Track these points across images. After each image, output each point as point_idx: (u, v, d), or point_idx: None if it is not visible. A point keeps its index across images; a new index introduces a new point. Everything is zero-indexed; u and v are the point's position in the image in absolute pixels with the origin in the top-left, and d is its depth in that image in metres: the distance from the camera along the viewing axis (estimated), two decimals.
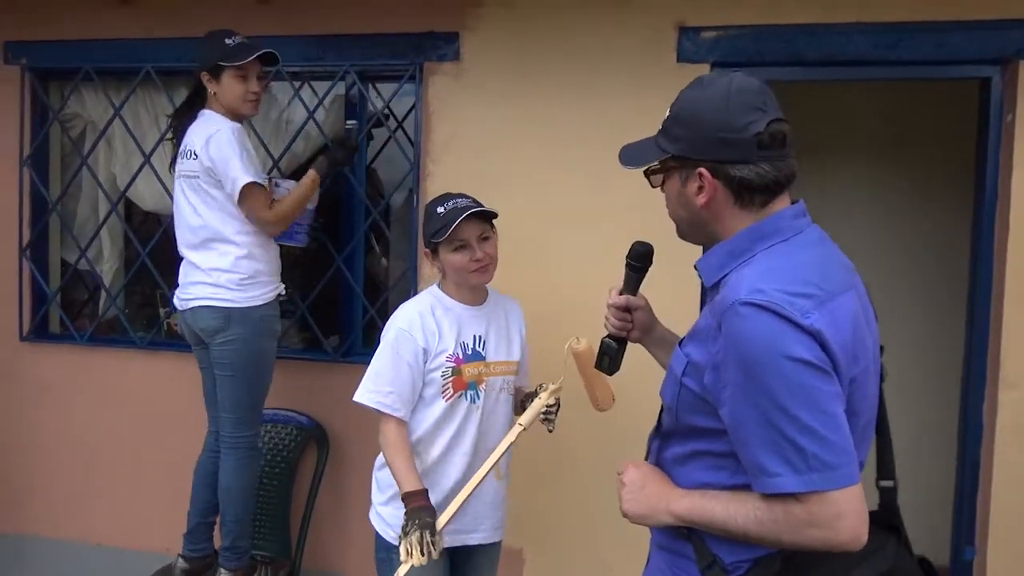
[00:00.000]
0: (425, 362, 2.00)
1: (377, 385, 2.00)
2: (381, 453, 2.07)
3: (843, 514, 1.09)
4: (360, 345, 3.08)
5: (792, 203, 1.27)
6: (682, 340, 1.31)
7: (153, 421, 3.19)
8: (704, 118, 1.21)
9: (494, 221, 2.06)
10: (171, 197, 2.79)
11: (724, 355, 1.15)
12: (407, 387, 1.99)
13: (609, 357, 1.65)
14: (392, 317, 2.07)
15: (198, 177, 2.56)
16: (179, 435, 2.99)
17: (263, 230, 2.59)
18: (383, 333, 2.06)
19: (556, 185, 2.79)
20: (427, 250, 2.06)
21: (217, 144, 2.50)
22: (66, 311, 3.38)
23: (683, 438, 1.29)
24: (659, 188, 1.35)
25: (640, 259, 1.62)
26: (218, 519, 2.73)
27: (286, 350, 3.12)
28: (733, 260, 1.24)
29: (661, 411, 1.37)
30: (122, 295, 3.42)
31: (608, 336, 1.65)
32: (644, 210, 2.61)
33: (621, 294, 1.62)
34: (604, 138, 2.74)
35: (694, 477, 1.27)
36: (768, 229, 1.23)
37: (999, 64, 2.55)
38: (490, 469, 1.93)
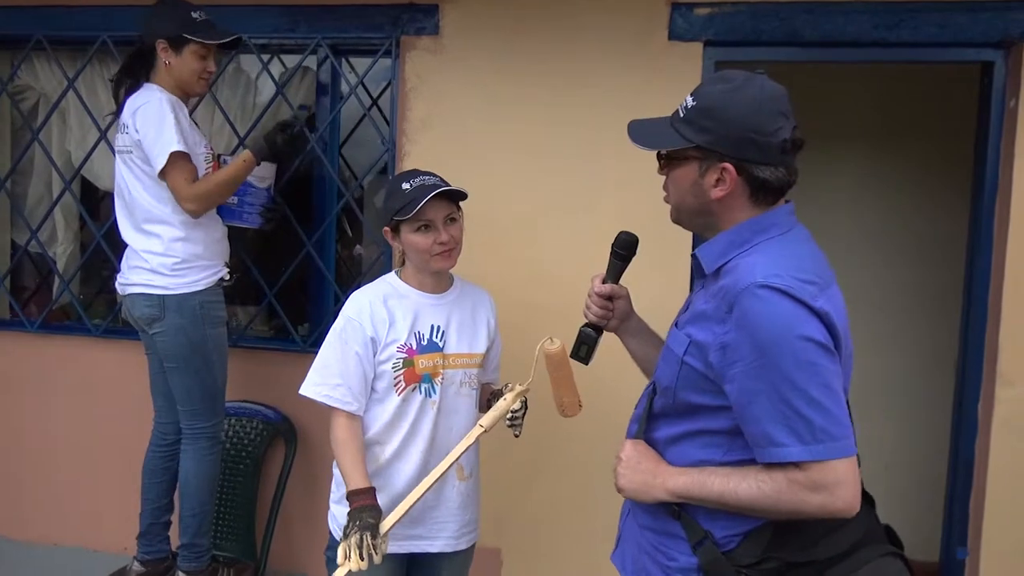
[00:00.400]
0: (375, 353, 1.88)
1: (324, 377, 1.88)
2: None
3: (842, 482, 1.19)
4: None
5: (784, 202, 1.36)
6: (677, 322, 1.39)
7: (109, 413, 3.01)
8: (736, 118, 1.28)
9: (462, 204, 1.94)
10: None
11: (736, 334, 1.22)
12: (357, 379, 1.87)
13: (587, 346, 1.65)
14: (344, 305, 1.95)
15: (131, 152, 2.40)
16: (136, 428, 2.81)
17: (182, 208, 2.37)
18: (335, 322, 1.94)
19: (542, 168, 2.65)
20: (388, 228, 1.93)
21: (145, 115, 2.34)
22: (16, 296, 3.19)
23: (677, 417, 1.36)
24: (660, 172, 1.41)
25: (627, 248, 1.63)
26: (176, 516, 2.57)
27: (253, 340, 2.97)
28: (734, 249, 1.32)
29: (650, 394, 1.44)
30: (77, 280, 3.22)
31: (587, 324, 1.66)
32: (635, 194, 2.56)
33: (604, 282, 1.64)
34: (593, 118, 2.63)
35: (688, 455, 1.34)
36: (768, 223, 1.32)
37: (1003, 48, 2.46)
38: (445, 471, 1.82)
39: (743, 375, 1.22)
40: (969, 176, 2.64)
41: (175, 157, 2.32)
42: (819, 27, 2.51)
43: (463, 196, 1.92)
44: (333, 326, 1.93)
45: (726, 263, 1.32)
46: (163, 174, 2.34)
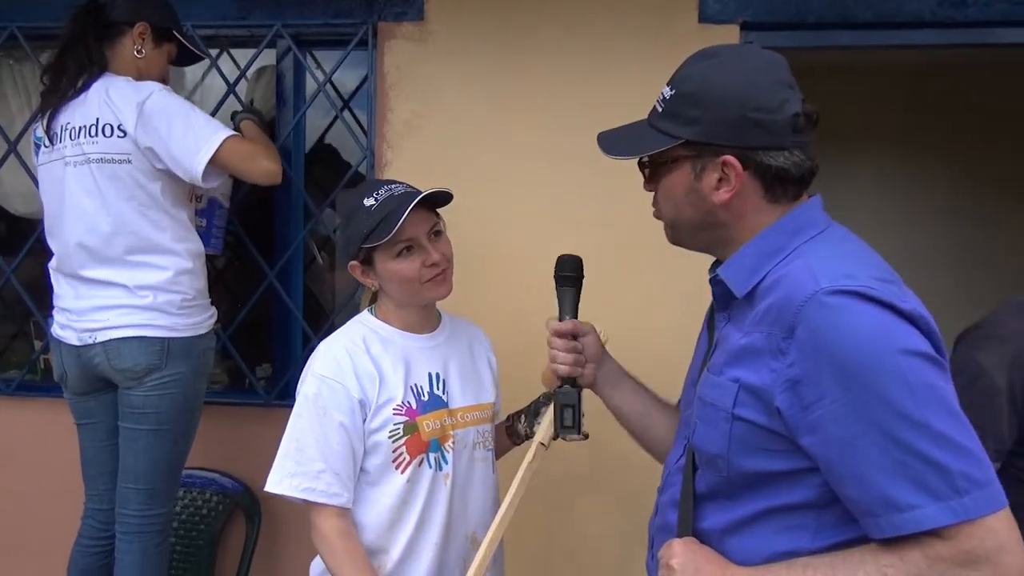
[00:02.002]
0: (364, 420, 1.44)
1: (300, 464, 1.42)
2: (317, 558, 1.49)
3: (1005, 546, 0.90)
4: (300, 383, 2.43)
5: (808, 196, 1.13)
6: (710, 367, 1.11)
7: (29, 487, 2.45)
8: (728, 96, 1.06)
9: (450, 212, 1.55)
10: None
11: (808, 364, 0.96)
12: (343, 460, 1.44)
13: (572, 408, 1.34)
14: (309, 362, 1.51)
15: (125, 162, 1.91)
16: (58, 508, 2.27)
17: (265, 181, 2.02)
18: (299, 386, 1.50)
19: (550, 178, 2.22)
20: (355, 262, 1.50)
21: (163, 111, 1.90)
22: None
23: (737, 496, 1.07)
24: (648, 189, 1.18)
25: (575, 269, 1.40)
26: None
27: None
28: (769, 260, 1.07)
29: (685, 469, 1.14)
30: None
31: (561, 383, 1.36)
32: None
33: (561, 319, 1.39)
34: (611, 118, 2.18)
35: (761, 546, 1.03)
36: (802, 221, 1.09)
37: None
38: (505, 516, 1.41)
39: (830, 419, 0.94)
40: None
41: (232, 139, 1.94)
42: (874, 6, 2.15)
43: (447, 199, 1.52)
44: (300, 391, 1.48)
45: (762, 280, 1.07)
46: (219, 161, 1.92)
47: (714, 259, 1.23)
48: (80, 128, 1.93)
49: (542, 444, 1.45)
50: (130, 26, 1.98)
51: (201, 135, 1.91)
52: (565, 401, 1.34)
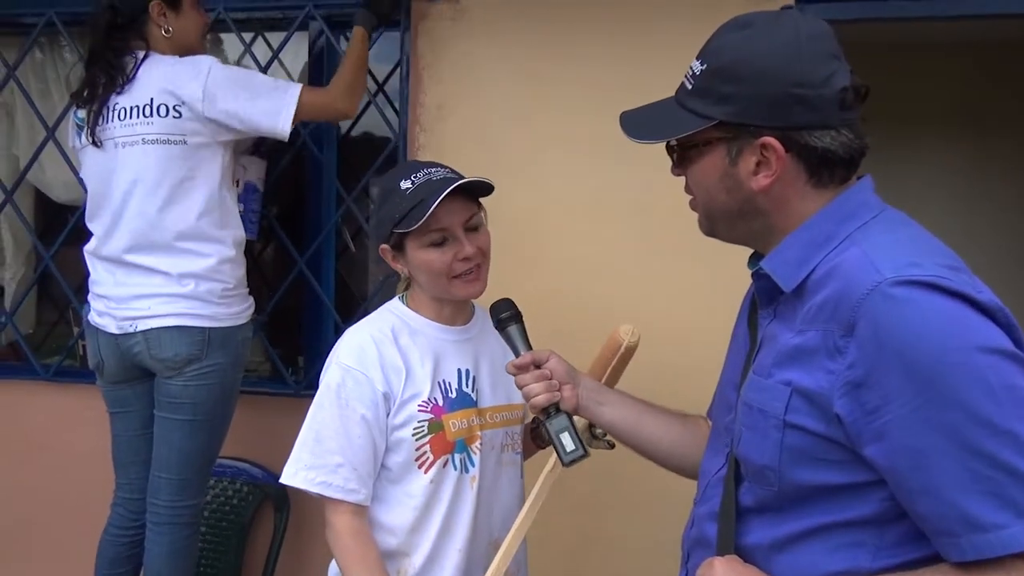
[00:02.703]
0: (388, 414, 1.37)
1: (317, 456, 1.36)
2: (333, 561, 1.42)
3: None
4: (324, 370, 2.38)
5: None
6: (757, 367, 1.01)
7: (60, 474, 2.46)
8: (769, 70, 0.95)
9: (484, 200, 1.45)
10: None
11: (872, 364, 0.86)
12: (364, 455, 1.36)
13: (568, 430, 1.25)
14: (334, 349, 1.44)
15: (181, 143, 1.89)
16: (89, 495, 2.27)
17: (343, 114, 2.09)
18: (322, 375, 1.43)
19: (590, 166, 2.11)
20: (386, 245, 1.43)
21: (228, 80, 1.91)
22: None
23: (787, 511, 0.97)
24: (676, 174, 1.08)
25: (508, 308, 1.35)
26: None
27: None
28: (819, 250, 0.97)
29: (726, 480, 1.04)
30: (32, 310, 2.70)
31: (545, 415, 1.26)
32: None
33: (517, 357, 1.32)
34: (653, 99, 2.09)
35: (813, 566, 0.94)
36: (853, 205, 0.98)
37: None
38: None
39: (898, 426, 0.84)
40: None
41: (303, 90, 1.95)
42: None
43: (487, 190, 1.42)
44: (324, 380, 1.41)
45: (812, 272, 0.96)
46: (301, 113, 1.96)
47: (753, 251, 1.12)
48: (132, 108, 1.91)
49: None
50: (145, 12, 1.94)
51: (275, 95, 1.94)
52: (558, 428, 1.25)
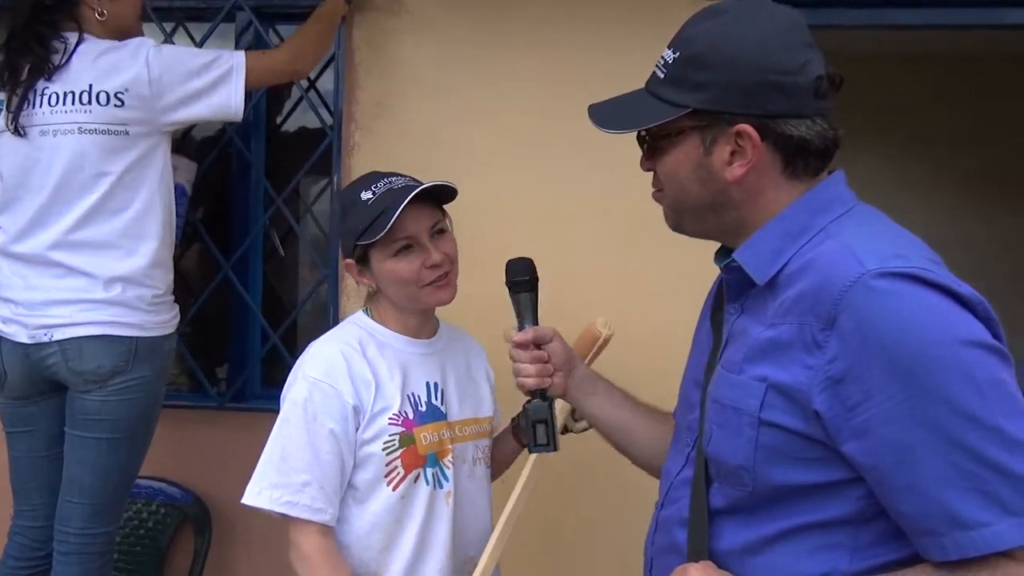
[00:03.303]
0: (358, 428, 1.34)
1: (283, 474, 1.31)
2: None
3: None
4: (258, 384, 2.27)
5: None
6: (726, 363, 0.99)
7: None
8: (744, 57, 0.94)
9: (447, 206, 1.46)
10: None
11: (855, 359, 0.85)
12: (332, 472, 1.32)
13: (545, 424, 1.23)
14: (298, 363, 1.40)
15: (122, 134, 1.75)
16: None
17: (296, 74, 2.02)
18: (285, 390, 1.38)
19: (539, 165, 2.05)
20: (349, 260, 1.42)
21: (171, 59, 1.81)
22: None
23: (762, 512, 0.94)
24: (646, 168, 1.06)
25: (527, 272, 1.29)
26: None
27: None
28: (793, 242, 0.95)
29: (693, 482, 1.01)
30: None
31: (530, 397, 1.25)
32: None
33: (521, 329, 1.27)
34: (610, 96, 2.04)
35: (790, 568, 0.91)
36: (828, 197, 0.97)
37: None
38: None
39: (881, 421, 0.83)
40: None
41: (249, 61, 1.85)
42: None
43: (451, 195, 1.42)
44: (288, 396, 1.36)
45: (785, 264, 0.95)
46: (249, 78, 1.85)
47: (720, 246, 1.10)
48: (65, 95, 1.75)
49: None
50: None
51: (220, 71, 1.82)
52: (537, 417, 1.23)
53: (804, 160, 0.96)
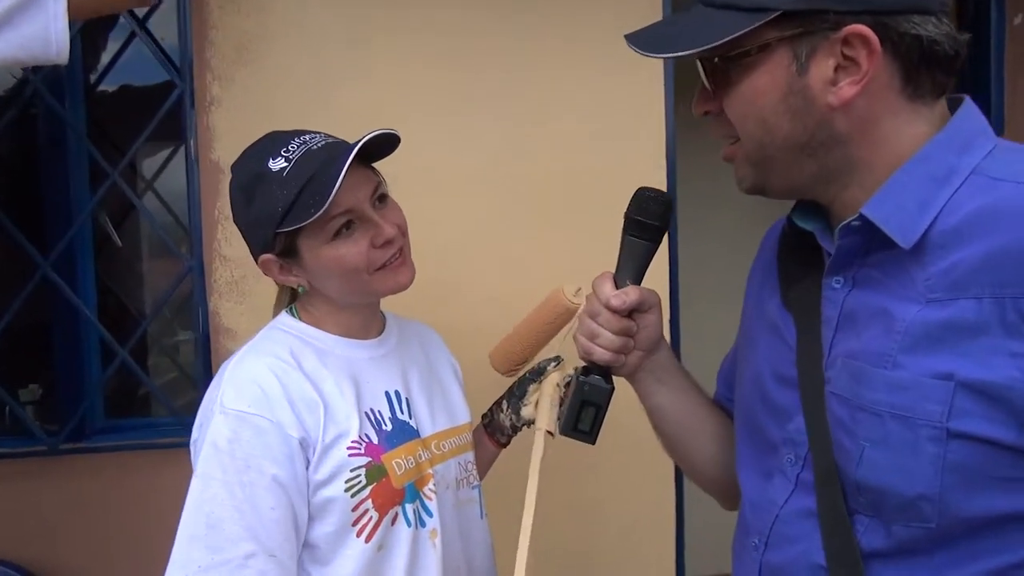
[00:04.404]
0: (308, 467, 1.01)
1: (215, 549, 0.96)
2: None
3: None
4: (100, 416, 1.77)
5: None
6: (866, 355, 0.75)
7: None
8: None
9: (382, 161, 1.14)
10: None
11: None
12: (281, 533, 0.99)
13: (595, 408, 0.98)
14: (210, 396, 1.04)
15: None
16: None
17: (141, 3, 1.47)
18: (199, 433, 1.03)
19: (457, 124, 1.71)
20: (269, 255, 1.07)
21: None
22: None
23: (947, 553, 0.72)
24: (704, 111, 0.82)
25: (658, 216, 0.95)
26: None
27: None
28: (939, 190, 0.73)
29: (828, 516, 0.77)
30: None
31: (588, 370, 0.99)
32: (602, 159, 1.65)
33: (618, 287, 0.97)
34: (508, 48, 1.72)
35: None
36: (973, 129, 0.76)
37: None
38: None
39: None
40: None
41: None
42: None
43: (391, 149, 1.10)
44: (206, 440, 0.99)
45: (935, 219, 0.73)
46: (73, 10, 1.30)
47: (794, 205, 0.87)
48: None
49: (548, 432, 1.12)
50: None
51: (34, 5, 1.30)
52: (590, 398, 0.97)
53: (930, 73, 0.75)
